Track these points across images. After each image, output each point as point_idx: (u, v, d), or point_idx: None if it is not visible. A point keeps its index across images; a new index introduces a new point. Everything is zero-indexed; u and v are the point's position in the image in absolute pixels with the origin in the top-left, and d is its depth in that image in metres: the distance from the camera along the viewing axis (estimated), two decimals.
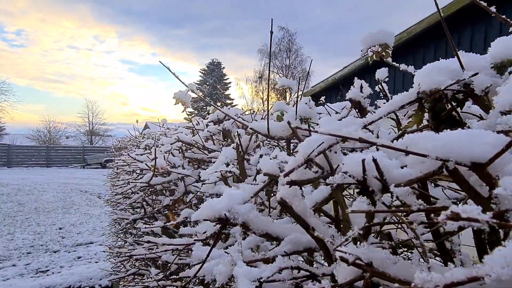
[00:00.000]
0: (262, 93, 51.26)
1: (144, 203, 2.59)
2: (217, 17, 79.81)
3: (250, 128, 1.02)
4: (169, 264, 1.14)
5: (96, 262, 7.65)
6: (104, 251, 6.99)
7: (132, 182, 2.07)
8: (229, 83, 53.38)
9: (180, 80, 1.20)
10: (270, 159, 0.70)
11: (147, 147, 2.84)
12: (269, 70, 1.10)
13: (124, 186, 2.71)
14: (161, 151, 2.26)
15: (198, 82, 52.02)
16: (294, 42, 48.85)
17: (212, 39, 79.01)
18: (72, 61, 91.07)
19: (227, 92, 53.10)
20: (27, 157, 33.18)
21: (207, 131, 1.71)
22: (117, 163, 4.52)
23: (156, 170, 1.41)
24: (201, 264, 0.74)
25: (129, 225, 3.56)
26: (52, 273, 7.00)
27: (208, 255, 0.74)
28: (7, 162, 31.72)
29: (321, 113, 1.21)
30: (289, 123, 1.05)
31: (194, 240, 0.90)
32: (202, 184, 1.08)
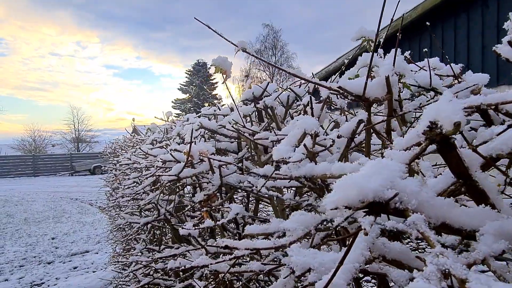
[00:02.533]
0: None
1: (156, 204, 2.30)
2: (197, 18, 78.92)
3: (339, 88, 0.76)
4: (223, 274, 0.88)
5: (93, 272, 7.29)
6: (116, 261, 6.65)
7: (149, 177, 1.77)
8: (216, 83, 52.97)
9: (220, 34, 0.93)
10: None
11: (154, 142, 2.55)
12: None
13: (134, 186, 2.41)
14: (177, 142, 1.97)
15: (185, 83, 51.44)
16: (279, 39, 48.81)
17: (194, 41, 78.61)
18: (54, 68, 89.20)
19: (214, 92, 52.66)
20: (13, 168, 32.18)
21: (239, 112, 1.43)
22: (115, 165, 4.20)
23: (191, 158, 1.13)
24: (330, 276, 0.48)
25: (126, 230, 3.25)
26: (48, 286, 6.61)
27: (342, 261, 0.47)
28: None
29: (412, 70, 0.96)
30: (387, 78, 0.79)
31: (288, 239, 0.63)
32: (276, 165, 0.81)
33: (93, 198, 16.83)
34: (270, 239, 0.74)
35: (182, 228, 1.01)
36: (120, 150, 5.45)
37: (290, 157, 0.73)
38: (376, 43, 0.91)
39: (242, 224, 1.84)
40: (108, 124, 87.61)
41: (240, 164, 1.68)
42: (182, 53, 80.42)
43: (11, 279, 6.83)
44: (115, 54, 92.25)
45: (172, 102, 52.62)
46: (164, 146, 1.80)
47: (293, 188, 1.20)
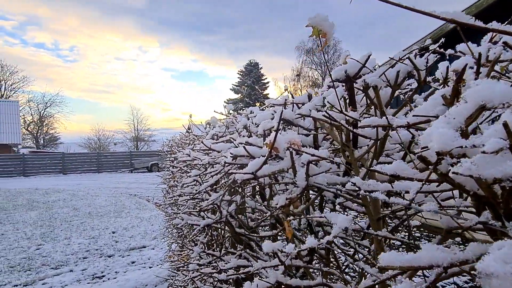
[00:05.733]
0: (301, 91, 50.26)
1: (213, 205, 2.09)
2: (248, 21, 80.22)
3: None
4: None
5: (150, 267, 7.42)
6: (171, 260, 6.72)
7: (214, 175, 1.54)
8: (267, 83, 53.08)
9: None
10: None
11: (215, 137, 2.34)
12: None
13: (194, 185, 2.23)
14: (243, 136, 1.72)
15: (237, 84, 52.16)
16: (332, 37, 47.60)
17: (245, 42, 79.69)
18: (118, 72, 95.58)
19: (265, 92, 52.78)
20: (80, 164, 34.77)
21: (336, 92, 1.12)
22: (172, 161, 4.10)
23: (274, 152, 0.86)
24: None
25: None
26: (108, 279, 6.82)
27: None
28: (62, 169, 33.43)
29: None
30: None
31: None
32: (438, 158, 0.50)
33: (150, 194, 17.52)
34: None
35: (264, 239, 0.75)
36: (177, 147, 5.41)
37: (462, 146, 0.42)
38: None
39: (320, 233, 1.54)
40: (165, 123, 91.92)
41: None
42: (234, 54, 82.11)
43: (76, 270, 7.15)
44: (172, 57, 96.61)
45: (224, 102, 53.69)
46: (232, 140, 1.56)
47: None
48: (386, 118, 0.88)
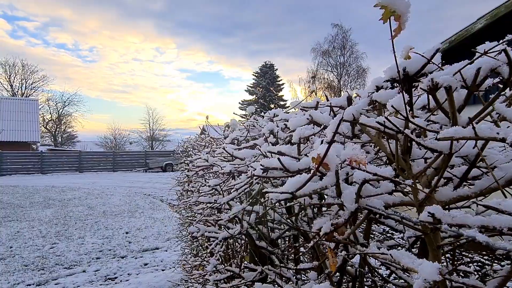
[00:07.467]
0: (316, 93, 49.72)
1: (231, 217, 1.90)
2: (266, 24, 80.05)
3: None
4: None
5: (162, 270, 7.30)
6: (185, 267, 6.60)
7: (240, 188, 1.36)
8: (282, 84, 52.78)
9: None
10: None
11: (235, 141, 2.15)
12: None
13: (212, 194, 2.05)
14: (270, 142, 1.53)
15: (252, 85, 52.03)
16: (349, 39, 47.04)
17: (262, 44, 79.67)
18: (136, 73, 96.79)
19: (280, 94, 52.50)
20: (96, 162, 35.19)
21: (403, 94, 0.91)
22: (188, 165, 3.94)
23: (323, 168, 0.67)
24: None
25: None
26: (120, 281, 6.73)
27: None
28: (79, 167, 33.91)
29: None
30: None
31: None
32: None
33: (163, 194, 17.51)
34: None
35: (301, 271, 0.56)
36: (192, 149, 5.27)
37: None
38: None
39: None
40: (180, 124, 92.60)
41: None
42: (250, 57, 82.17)
43: (88, 271, 7.09)
44: (189, 59, 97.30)
45: (239, 103, 53.65)
46: (257, 147, 1.38)
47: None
48: (474, 128, 0.67)
